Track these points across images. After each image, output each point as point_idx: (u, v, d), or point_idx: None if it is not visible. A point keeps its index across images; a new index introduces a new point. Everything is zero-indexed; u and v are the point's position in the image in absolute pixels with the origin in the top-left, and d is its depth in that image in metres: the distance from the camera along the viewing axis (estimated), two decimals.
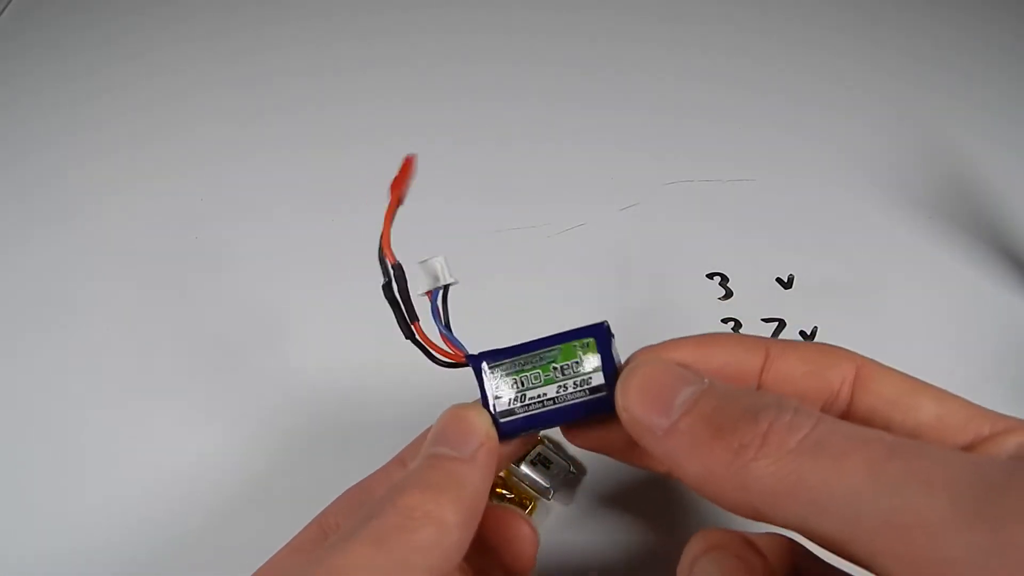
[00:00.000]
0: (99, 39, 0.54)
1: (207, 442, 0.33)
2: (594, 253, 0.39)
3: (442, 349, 0.21)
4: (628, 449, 0.22)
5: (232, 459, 0.33)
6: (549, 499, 0.29)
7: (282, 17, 0.55)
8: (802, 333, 0.35)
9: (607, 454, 0.23)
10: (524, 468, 0.29)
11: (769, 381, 0.20)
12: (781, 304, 0.37)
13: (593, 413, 0.21)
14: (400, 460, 0.23)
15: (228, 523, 0.31)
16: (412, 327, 0.21)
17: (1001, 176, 0.42)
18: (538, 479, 0.29)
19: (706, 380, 0.19)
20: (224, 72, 0.50)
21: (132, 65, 0.51)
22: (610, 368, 0.20)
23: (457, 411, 0.21)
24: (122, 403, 0.35)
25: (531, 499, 0.29)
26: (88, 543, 0.31)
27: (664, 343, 0.21)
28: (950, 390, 0.19)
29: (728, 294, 0.37)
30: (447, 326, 0.21)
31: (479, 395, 0.21)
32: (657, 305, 0.37)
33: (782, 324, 0.36)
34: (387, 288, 0.21)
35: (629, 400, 0.19)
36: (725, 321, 0.36)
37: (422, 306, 0.21)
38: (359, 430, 0.33)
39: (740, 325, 0.36)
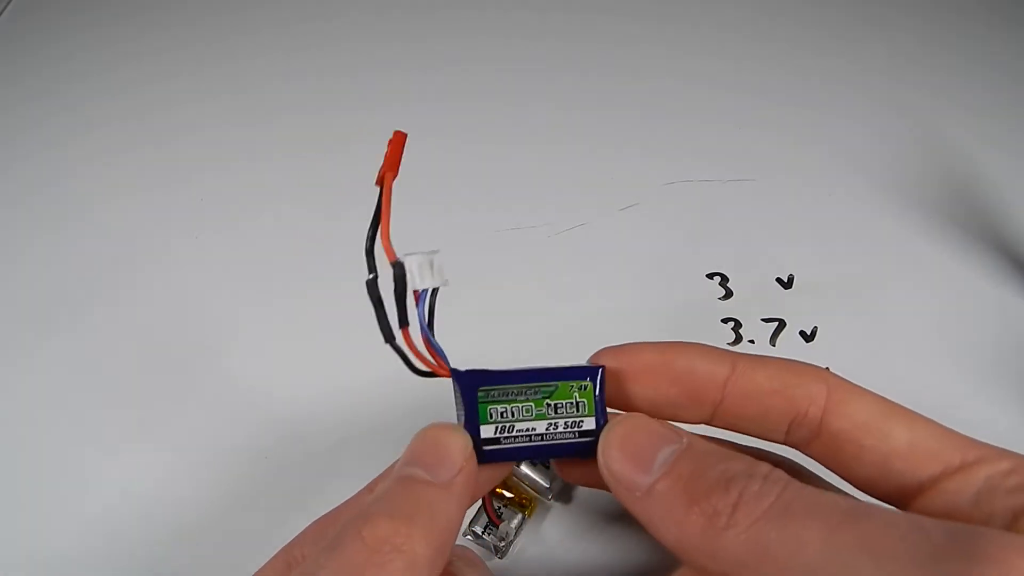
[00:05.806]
0: (99, 40, 0.54)
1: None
2: (594, 253, 0.39)
3: (425, 358, 0.20)
4: None
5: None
6: (549, 499, 0.29)
7: (282, 20, 0.55)
8: (802, 333, 0.35)
9: (599, 488, 0.22)
10: (524, 468, 0.29)
11: (732, 394, 0.20)
12: (781, 304, 0.37)
13: (578, 456, 0.20)
14: (370, 490, 0.21)
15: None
16: (400, 332, 0.19)
17: (1001, 176, 0.42)
18: (538, 479, 0.28)
19: (684, 439, 0.19)
20: (225, 74, 0.50)
21: (131, 66, 0.51)
22: (602, 416, 0.20)
23: (435, 432, 0.19)
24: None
25: (530, 499, 0.29)
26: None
27: (626, 345, 0.21)
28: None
29: (728, 294, 0.37)
30: (431, 332, 0.20)
31: (459, 412, 0.20)
32: (657, 305, 0.37)
33: (782, 324, 0.36)
34: (372, 284, 0.18)
35: (610, 458, 0.19)
36: (725, 321, 0.36)
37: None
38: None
39: (740, 325, 0.36)
